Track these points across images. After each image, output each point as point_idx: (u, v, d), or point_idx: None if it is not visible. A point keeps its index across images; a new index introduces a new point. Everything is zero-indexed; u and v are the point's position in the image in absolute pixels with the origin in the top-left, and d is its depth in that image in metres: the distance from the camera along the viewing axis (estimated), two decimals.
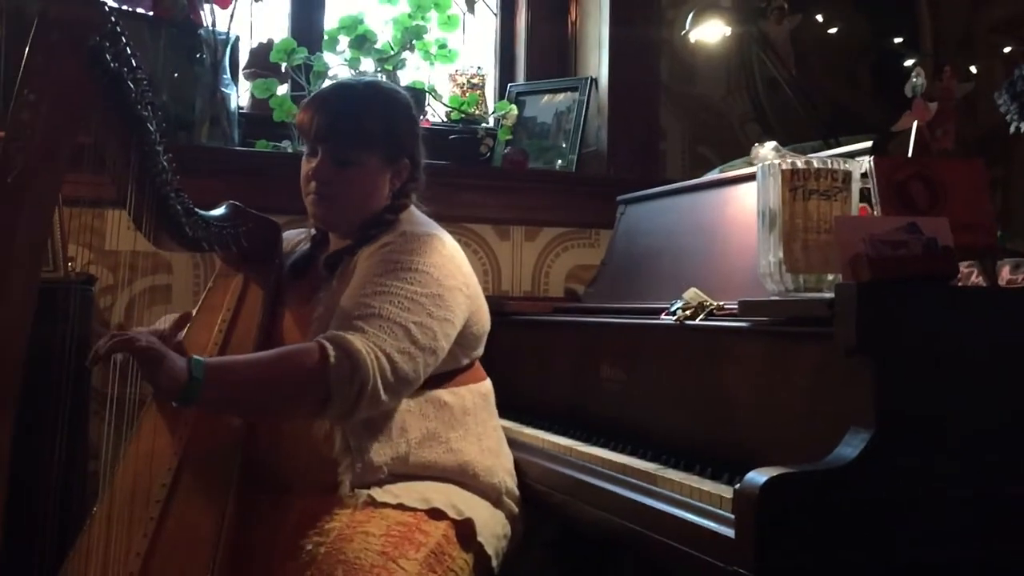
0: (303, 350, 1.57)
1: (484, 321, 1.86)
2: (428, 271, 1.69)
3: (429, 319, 1.65)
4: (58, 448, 1.54)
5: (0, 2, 2.04)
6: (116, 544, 1.51)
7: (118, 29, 1.41)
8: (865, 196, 1.56)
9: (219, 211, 1.80)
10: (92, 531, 1.56)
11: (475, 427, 1.80)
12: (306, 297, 1.80)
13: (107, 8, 1.42)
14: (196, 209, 1.69)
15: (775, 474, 1.18)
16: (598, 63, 2.94)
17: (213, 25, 2.49)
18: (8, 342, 1.32)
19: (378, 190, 1.80)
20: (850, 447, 1.23)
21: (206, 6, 2.48)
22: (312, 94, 1.91)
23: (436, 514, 1.65)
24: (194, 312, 1.87)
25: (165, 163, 1.57)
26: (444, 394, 1.77)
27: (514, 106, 2.89)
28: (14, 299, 1.32)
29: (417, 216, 1.85)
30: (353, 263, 1.76)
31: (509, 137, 2.87)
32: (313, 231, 1.93)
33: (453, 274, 1.73)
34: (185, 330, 1.81)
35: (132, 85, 1.45)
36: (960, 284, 1.40)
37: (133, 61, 1.45)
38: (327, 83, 2.47)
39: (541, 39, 3.06)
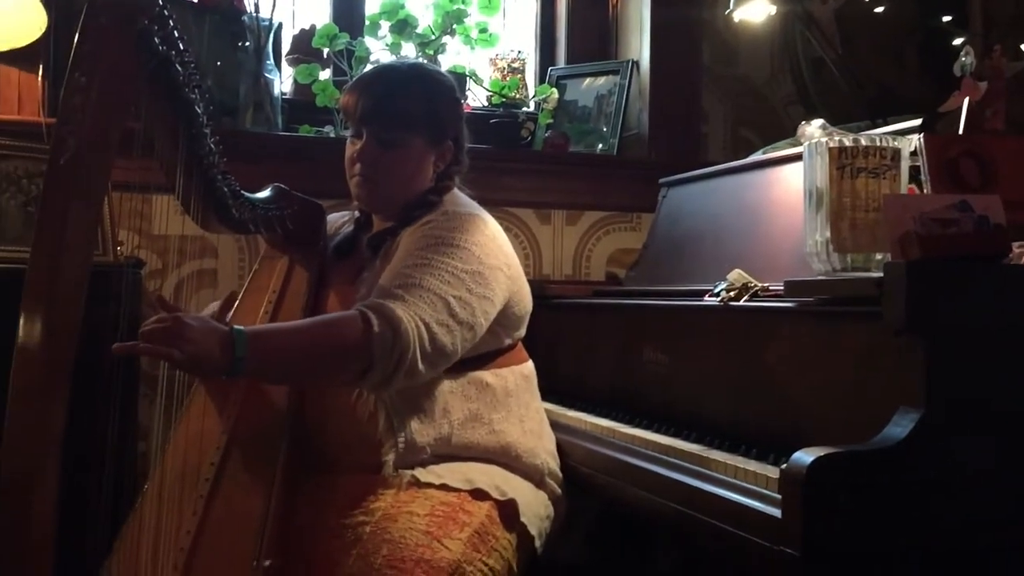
0: (345, 319, 1.57)
1: (526, 302, 1.85)
2: (470, 248, 1.69)
3: (468, 294, 1.65)
4: (109, 428, 1.56)
5: None
6: (166, 521, 1.53)
7: (165, 12, 1.42)
8: (913, 176, 1.54)
9: (265, 193, 1.82)
10: (143, 509, 1.58)
11: (517, 408, 1.80)
12: (350, 278, 1.82)
13: None
14: (242, 192, 1.71)
15: (822, 454, 1.17)
16: (639, 46, 2.92)
17: (256, 11, 2.51)
18: (62, 325, 1.33)
19: (422, 172, 1.81)
20: (899, 427, 1.22)
21: None
22: (356, 77, 1.92)
23: (479, 494, 1.66)
24: (240, 294, 1.89)
25: (212, 146, 1.59)
26: (486, 375, 1.77)
27: (555, 90, 2.89)
28: (67, 282, 1.33)
29: (460, 198, 1.85)
30: (396, 243, 1.77)
31: (550, 121, 2.87)
32: (357, 213, 1.94)
33: (495, 253, 1.74)
34: (232, 311, 1.83)
35: (180, 68, 1.47)
36: (1012, 263, 1.37)
37: (180, 44, 1.46)
38: (369, 68, 2.48)
39: (582, 22, 3.05)
